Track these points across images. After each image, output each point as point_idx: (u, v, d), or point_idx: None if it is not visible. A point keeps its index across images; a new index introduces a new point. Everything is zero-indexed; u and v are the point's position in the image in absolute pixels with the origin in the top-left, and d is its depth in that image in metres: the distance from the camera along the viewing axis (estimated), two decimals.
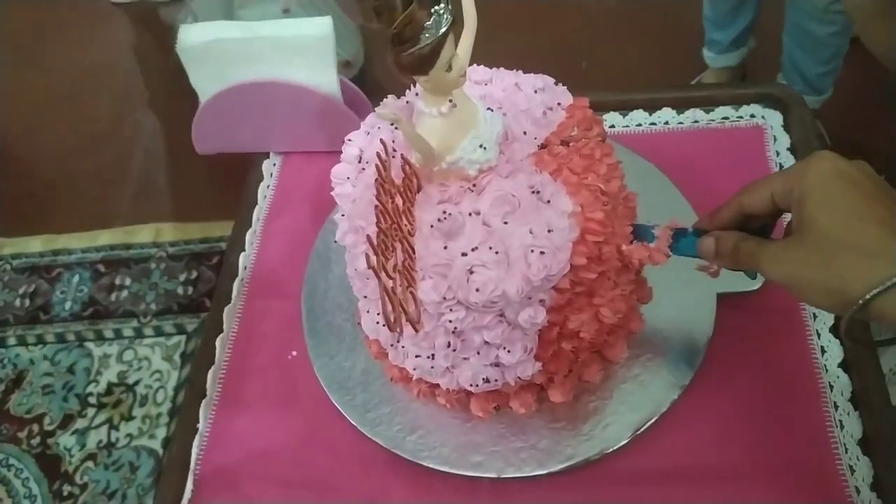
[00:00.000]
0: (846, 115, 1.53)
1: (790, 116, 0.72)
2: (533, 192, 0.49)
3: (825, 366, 0.58)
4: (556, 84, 0.56)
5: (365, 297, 0.58)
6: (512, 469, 0.56)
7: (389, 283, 0.44)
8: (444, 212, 0.48)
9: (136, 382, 1.47)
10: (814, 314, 0.61)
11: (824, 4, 1.30)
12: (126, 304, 1.58)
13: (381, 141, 0.50)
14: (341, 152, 0.56)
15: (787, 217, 0.45)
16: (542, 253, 0.47)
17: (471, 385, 0.54)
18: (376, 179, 0.48)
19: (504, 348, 0.52)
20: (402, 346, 0.56)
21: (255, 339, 0.68)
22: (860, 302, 0.39)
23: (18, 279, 1.66)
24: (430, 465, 0.58)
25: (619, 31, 1.89)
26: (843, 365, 0.58)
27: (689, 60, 1.72)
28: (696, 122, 0.73)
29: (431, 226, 0.48)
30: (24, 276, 1.66)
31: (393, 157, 0.51)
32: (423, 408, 0.61)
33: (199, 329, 1.51)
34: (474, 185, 0.50)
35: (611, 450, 0.56)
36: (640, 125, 0.74)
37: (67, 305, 1.60)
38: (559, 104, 0.55)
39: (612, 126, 0.75)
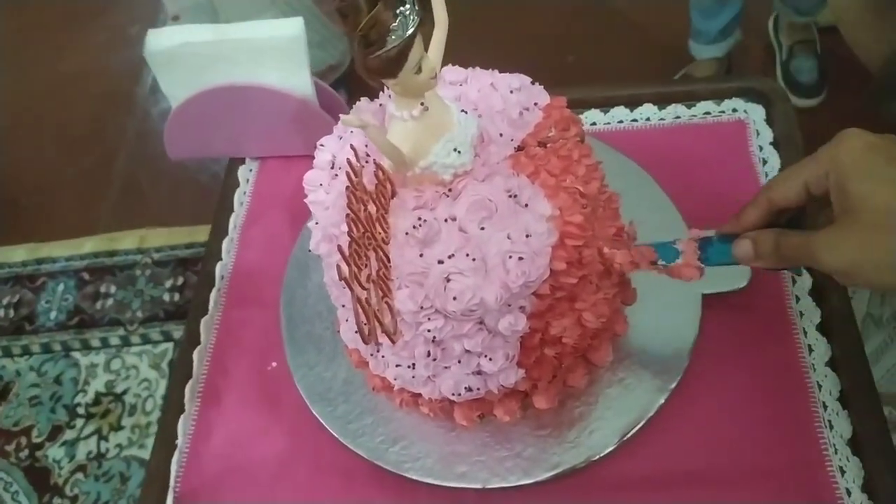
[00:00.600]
0: (835, 118, 1.53)
1: (773, 110, 0.71)
2: (510, 196, 0.48)
3: (813, 365, 0.57)
4: (532, 83, 0.55)
5: (343, 306, 0.56)
6: (497, 479, 0.55)
7: (363, 294, 0.43)
8: (420, 218, 0.47)
9: (125, 392, 1.45)
10: (800, 312, 0.60)
11: None
12: (112, 312, 1.56)
13: (352, 146, 0.49)
14: None
15: None
16: (520, 259, 0.46)
17: (453, 394, 0.53)
18: (347, 187, 0.47)
19: (485, 356, 0.50)
20: (383, 356, 0.55)
21: (233, 350, 0.67)
22: None
23: (2, 289, 1.64)
24: (414, 477, 0.56)
25: (606, 25, 1.87)
26: (831, 363, 0.57)
27: (676, 53, 1.71)
28: (677, 117, 0.72)
29: (406, 233, 0.47)
30: (8, 286, 1.64)
31: (366, 162, 0.49)
32: (406, 417, 0.59)
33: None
34: (450, 190, 0.49)
35: (597, 457, 0.55)
36: (621, 122, 0.73)
37: (53, 315, 1.58)
38: (536, 104, 0.54)
39: (594, 123, 0.73)
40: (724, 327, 0.58)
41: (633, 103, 0.73)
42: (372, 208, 0.47)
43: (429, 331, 0.48)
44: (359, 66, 0.43)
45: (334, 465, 0.59)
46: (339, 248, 0.44)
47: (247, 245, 0.73)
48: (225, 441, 0.62)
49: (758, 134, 0.69)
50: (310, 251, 0.55)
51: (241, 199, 0.76)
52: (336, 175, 0.53)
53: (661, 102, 0.73)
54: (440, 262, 0.46)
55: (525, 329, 0.49)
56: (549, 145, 0.52)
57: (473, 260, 0.46)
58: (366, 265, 0.44)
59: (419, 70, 0.43)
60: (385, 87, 0.54)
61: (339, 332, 0.62)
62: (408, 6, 0.41)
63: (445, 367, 0.52)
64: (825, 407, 0.55)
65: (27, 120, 1.97)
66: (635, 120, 0.73)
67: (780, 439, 0.54)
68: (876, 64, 0.53)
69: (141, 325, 1.53)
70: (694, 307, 0.59)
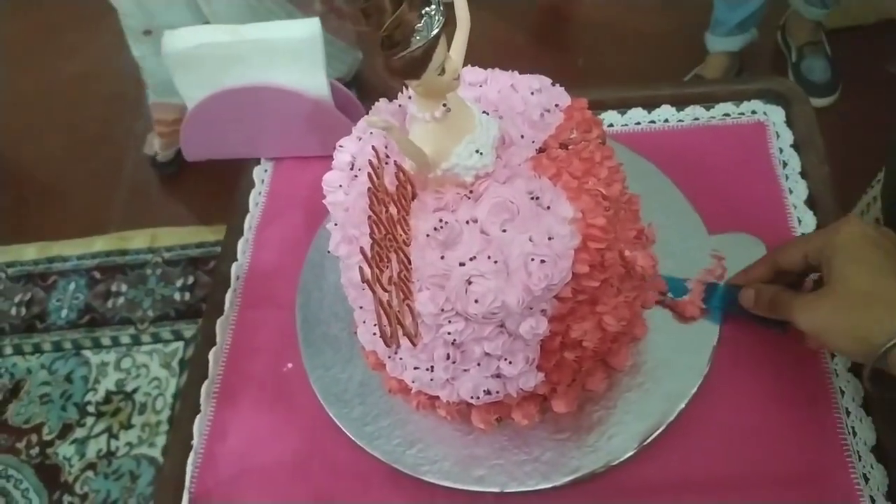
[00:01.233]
0: (848, 117, 1.53)
1: (792, 112, 0.70)
2: (532, 199, 0.48)
3: (835, 370, 0.56)
4: (553, 84, 0.54)
5: (361, 307, 0.56)
6: (515, 483, 0.55)
7: (385, 296, 0.43)
8: (441, 220, 0.47)
9: (135, 390, 1.45)
10: None
11: None
12: (122, 311, 1.56)
13: (373, 147, 0.48)
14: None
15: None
16: (542, 261, 0.46)
17: (472, 397, 0.53)
18: (369, 188, 0.46)
19: (505, 359, 0.50)
20: (400, 358, 0.54)
21: (248, 351, 0.67)
22: (882, 350, 0.44)
23: (14, 287, 1.64)
24: (431, 480, 0.56)
25: (614, 29, 1.86)
26: (854, 369, 0.56)
27: (688, 56, 1.71)
28: (696, 119, 0.71)
29: (428, 235, 0.47)
30: (20, 284, 1.64)
31: (386, 163, 0.49)
32: (422, 420, 0.59)
33: (196, 337, 1.49)
34: (471, 192, 0.49)
35: (617, 461, 0.54)
36: (638, 123, 0.73)
37: (63, 313, 1.58)
38: (557, 105, 0.53)
39: (611, 125, 0.73)
40: (745, 332, 0.58)
41: (650, 105, 0.73)
42: (393, 210, 0.46)
43: (449, 333, 0.48)
44: (381, 68, 0.42)
45: (350, 468, 0.59)
46: (362, 250, 0.44)
47: (262, 246, 0.73)
48: (240, 442, 0.62)
49: (778, 136, 0.69)
50: (329, 252, 0.54)
51: (257, 199, 0.76)
52: (356, 176, 0.52)
53: (679, 104, 0.72)
54: (461, 264, 0.46)
55: (546, 332, 0.49)
56: (570, 147, 0.51)
57: (495, 262, 0.46)
58: (387, 267, 0.44)
59: (442, 71, 0.43)
60: (404, 89, 0.54)
61: (355, 333, 0.62)
62: (433, 6, 0.40)
63: (465, 370, 0.52)
64: (848, 413, 0.55)
65: (37, 120, 1.97)
66: (653, 121, 0.72)
67: (803, 446, 0.54)
68: None
69: (151, 324, 1.54)
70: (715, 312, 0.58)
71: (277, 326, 0.67)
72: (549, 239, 0.46)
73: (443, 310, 0.46)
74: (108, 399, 1.45)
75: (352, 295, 0.56)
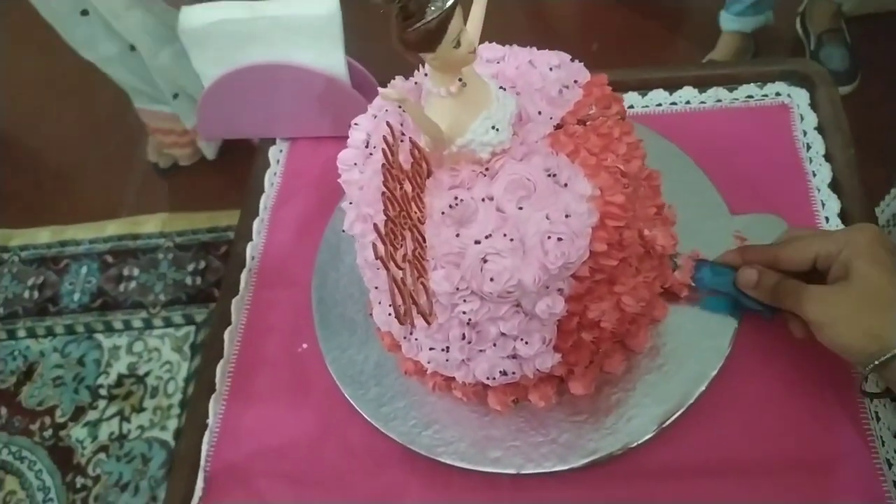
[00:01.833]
0: (867, 104, 1.50)
1: (817, 94, 0.69)
2: (549, 176, 0.47)
3: None
4: (572, 61, 0.53)
5: (376, 287, 0.55)
6: (532, 465, 0.54)
7: (399, 274, 0.42)
8: (456, 198, 0.46)
9: (147, 374, 1.46)
10: None
11: None
12: (134, 295, 1.57)
13: (388, 124, 0.48)
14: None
15: None
16: (559, 239, 0.45)
17: (488, 378, 0.52)
18: (383, 165, 0.46)
19: (521, 340, 0.49)
20: (416, 339, 0.54)
21: (264, 331, 0.66)
22: (893, 352, 0.45)
23: (27, 271, 1.65)
24: (447, 462, 0.56)
25: (628, 13, 1.84)
26: None
27: (701, 41, 1.69)
28: (718, 100, 0.70)
29: (443, 212, 0.46)
30: (33, 267, 1.65)
31: (401, 141, 0.48)
32: (438, 402, 0.59)
33: (209, 319, 1.49)
34: (487, 170, 0.48)
35: (635, 444, 0.53)
36: (660, 105, 0.71)
37: (76, 297, 1.59)
38: (576, 82, 0.52)
39: (631, 106, 0.72)
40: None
41: (672, 86, 0.71)
42: (408, 187, 0.45)
43: (464, 313, 0.47)
44: (395, 41, 0.41)
45: (366, 449, 0.59)
46: (376, 227, 0.43)
47: (277, 226, 0.72)
48: (255, 422, 0.62)
49: (802, 118, 0.67)
50: (343, 232, 0.54)
51: (272, 179, 0.76)
52: (370, 154, 0.52)
53: (702, 85, 0.71)
54: (477, 242, 0.45)
55: (563, 312, 0.48)
56: (588, 123, 0.50)
57: (511, 240, 0.45)
58: (402, 245, 0.43)
59: (458, 44, 0.42)
60: (420, 65, 0.53)
61: (370, 314, 0.61)
62: None
63: (480, 351, 0.51)
64: (871, 398, 0.54)
65: (52, 105, 1.98)
66: (675, 103, 0.71)
67: (825, 430, 0.53)
68: None
69: (163, 308, 1.54)
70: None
71: (292, 307, 0.66)
72: (567, 216, 0.45)
73: (458, 288, 0.46)
74: (119, 382, 1.46)
75: (367, 276, 0.56)
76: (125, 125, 1.89)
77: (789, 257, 0.53)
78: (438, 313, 0.47)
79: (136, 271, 1.60)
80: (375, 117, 0.53)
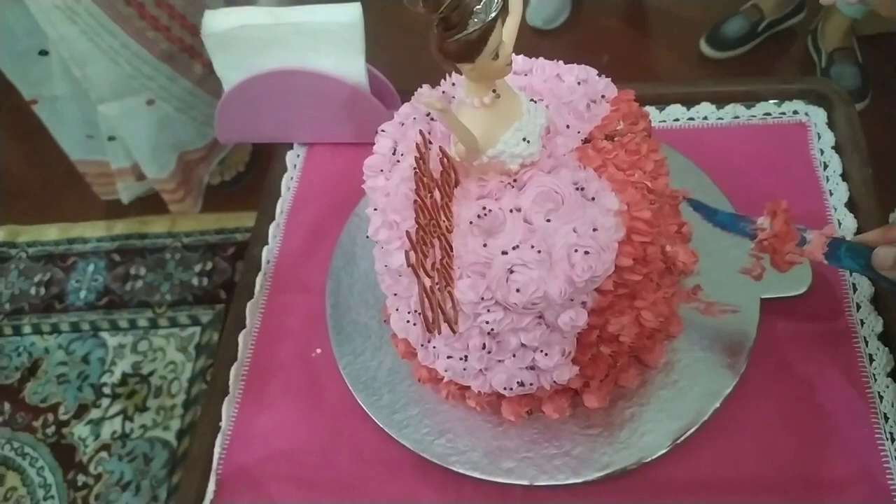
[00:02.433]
0: (880, 123, 1.51)
1: (835, 113, 0.69)
2: (577, 189, 0.47)
3: (874, 374, 0.56)
4: (599, 76, 0.54)
5: (395, 294, 0.55)
6: (545, 476, 0.54)
7: (428, 282, 0.42)
8: (484, 208, 0.46)
9: (151, 373, 1.46)
10: (861, 321, 0.58)
11: None
12: (141, 295, 1.56)
13: (420, 132, 0.48)
14: (368, 144, 0.54)
15: None
16: (586, 253, 0.45)
17: (504, 388, 0.52)
18: (415, 171, 0.46)
19: (541, 351, 0.50)
20: (434, 347, 0.54)
21: (278, 335, 0.67)
22: None
23: (34, 267, 1.65)
24: (460, 471, 0.56)
25: (639, 24, 1.85)
26: (894, 374, 0.55)
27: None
28: (736, 117, 0.71)
29: (471, 222, 0.46)
30: (40, 264, 1.65)
31: (429, 149, 0.48)
32: (451, 410, 0.59)
33: (214, 321, 1.49)
34: (515, 181, 0.48)
35: (649, 459, 0.54)
36: (677, 120, 0.72)
37: (82, 294, 1.59)
38: (603, 97, 0.53)
39: None
40: (782, 333, 0.57)
41: (689, 101, 0.72)
42: (437, 195, 0.46)
43: (486, 322, 0.47)
44: (434, 50, 0.42)
45: (378, 455, 0.59)
46: (408, 235, 0.43)
47: (293, 231, 0.73)
48: (268, 425, 0.62)
49: (819, 137, 0.68)
50: (366, 238, 0.54)
51: (289, 184, 0.76)
52: (398, 161, 0.52)
53: (720, 102, 0.71)
54: (504, 252, 0.46)
55: (584, 325, 0.48)
56: (616, 139, 0.51)
57: (538, 252, 0.45)
58: (430, 253, 0.43)
59: (496, 56, 0.42)
60: (447, 75, 0.53)
61: (386, 321, 0.61)
62: None
63: (499, 361, 0.51)
64: (886, 418, 0.54)
65: None
66: (692, 118, 0.71)
67: (839, 450, 0.53)
68: None
69: (169, 308, 1.54)
70: (752, 311, 0.57)
71: (307, 312, 0.67)
72: (594, 230, 0.46)
73: (482, 298, 0.46)
74: (123, 381, 1.45)
75: (386, 282, 0.56)
76: None
77: None
78: (460, 322, 0.47)
79: (142, 271, 1.60)
80: (402, 124, 0.54)
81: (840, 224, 0.63)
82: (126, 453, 1.37)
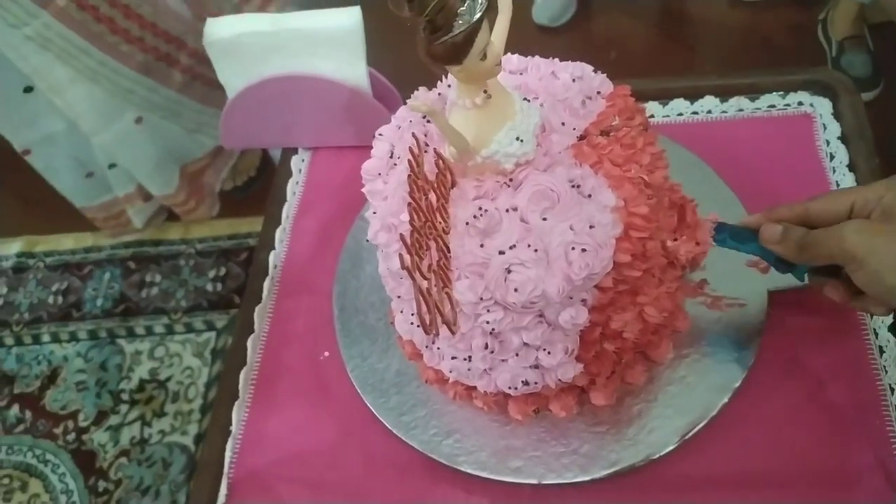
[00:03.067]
0: (894, 112, 1.49)
1: (840, 104, 0.68)
2: (573, 187, 0.47)
3: (884, 367, 0.55)
4: (594, 72, 0.54)
5: (399, 296, 0.56)
6: (553, 475, 0.54)
7: (424, 284, 0.42)
8: (480, 208, 0.46)
9: (168, 379, 1.47)
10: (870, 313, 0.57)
11: None
12: (156, 301, 1.58)
13: (413, 135, 0.48)
14: (371, 147, 0.54)
15: None
16: (583, 250, 0.45)
17: (509, 388, 0.52)
18: (409, 175, 0.46)
19: (544, 350, 0.50)
20: (438, 348, 0.54)
21: (286, 338, 0.67)
22: None
23: (51, 276, 1.67)
24: (468, 471, 0.56)
25: (644, 22, 1.84)
26: None
27: (721, 51, 1.68)
28: (740, 110, 0.70)
29: (467, 223, 0.46)
30: (57, 273, 1.67)
31: (425, 151, 0.49)
32: (459, 411, 0.59)
33: (229, 326, 1.50)
34: (511, 180, 0.48)
35: (657, 455, 0.53)
36: (681, 114, 0.71)
37: (99, 302, 1.61)
38: (599, 93, 0.52)
39: (652, 116, 0.71)
40: (790, 326, 0.57)
41: (693, 95, 0.71)
42: (433, 197, 0.46)
43: (487, 322, 0.47)
44: (422, 53, 0.42)
45: (386, 457, 0.59)
46: (402, 237, 0.43)
47: (299, 235, 0.73)
48: (278, 429, 0.63)
49: (825, 128, 0.67)
50: (367, 242, 0.54)
51: (294, 188, 0.76)
52: (395, 164, 0.52)
53: (723, 95, 0.71)
54: (501, 252, 0.46)
55: (585, 322, 0.48)
56: (612, 134, 0.50)
57: (535, 251, 0.45)
58: (427, 255, 0.44)
59: (484, 56, 0.42)
60: (443, 77, 0.54)
61: (391, 323, 0.62)
62: None
63: (502, 360, 0.51)
64: None
65: None
66: (696, 112, 0.71)
67: (849, 444, 0.52)
68: None
69: (184, 314, 1.55)
70: (760, 304, 0.57)
71: (314, 315, 0.67)
72: (591, 227, 0.46)
73: (481, 298, 0.46)
74: (141, 387, 1.47)
75: (390, 285, 0.56)
76: None
77: (822, 208, 0.49)
78: (461, 323, 0.48)
79: (157, 277, 1.62)
80: (399, 128, 0.54)
81: None
82: (145, 458, 1.39)
